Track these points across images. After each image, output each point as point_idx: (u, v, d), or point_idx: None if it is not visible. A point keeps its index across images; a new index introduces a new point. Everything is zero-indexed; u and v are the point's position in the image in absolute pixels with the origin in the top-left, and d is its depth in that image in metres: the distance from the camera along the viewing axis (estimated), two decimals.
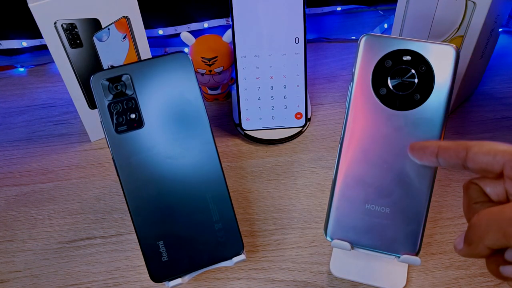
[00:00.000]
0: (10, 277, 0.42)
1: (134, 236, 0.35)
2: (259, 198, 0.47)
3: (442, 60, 0.33)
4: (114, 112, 0.34)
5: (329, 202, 0.36)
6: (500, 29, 0.57)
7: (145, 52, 0.50)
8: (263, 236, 0.44)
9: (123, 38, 0.47)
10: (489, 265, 0.28)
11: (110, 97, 0.34)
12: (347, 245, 0.35)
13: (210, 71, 0.53)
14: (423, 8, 0.48)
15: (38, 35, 0.62)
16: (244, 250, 0.36)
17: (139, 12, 0.47)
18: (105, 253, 0.43)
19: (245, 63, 0.50)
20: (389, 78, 0.34)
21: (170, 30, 0.65)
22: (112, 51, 0.48)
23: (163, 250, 0.35)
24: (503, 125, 0.53)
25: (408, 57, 0.34)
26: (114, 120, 0.34)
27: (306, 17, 0.49)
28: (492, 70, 0.60)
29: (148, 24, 0.64)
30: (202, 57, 0.52)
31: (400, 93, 0.34)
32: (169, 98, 0.35)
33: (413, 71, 0.34)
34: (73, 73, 0.47)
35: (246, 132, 0.52)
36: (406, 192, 0.34)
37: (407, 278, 0.40)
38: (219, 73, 0.53)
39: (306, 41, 0.49)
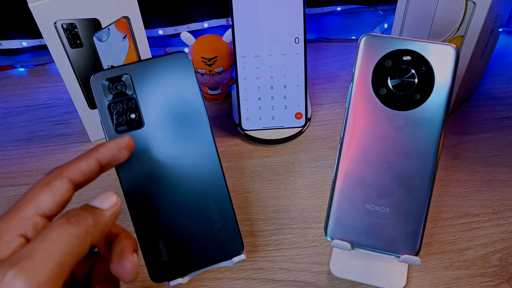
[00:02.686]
0: None
1: (134, 236, 0.35)
2: (259, 198, 0.47)
3: (442, 60, 0.33)
4: (114, 112, 0.34)
5: (329, 202, 0.36)
6: (500, 29, 0.57)
7: (145, 52, 0.50)
8: (263, 236, 0.44)
9: (123, 38, 0.47)
10: None
11: (110, 97, 0.34)
12: (347, 245, 0.35)
13: (210, 71, 0.53)
14: (423, 8, 0.48)
15: (38, 35, 0.62)
16: (244, 250, 0.36)
17: (139, 12, 0.47)
18: None
19: (245, 63, 0.50)
20: (389, 78, 0.34)
21: (170, 30, 0.65)
22: (112, 51, 0.48)
23: (163, 250, 0.35)
24: (503, 125, 0.53)
25: (408, 57, 0.34)
26: (114, 120, 0.34)
27: (306, 17, 0.49)
28: (492, 70, 0.60)
29: (148, 24, 0.64)
30: (202, 57, 0.52)
31: (400, 93, 0.34)
32: (169, 98, 0.35)
33: (413, 71, 0.34)
34: (73, 73, 0.47)
35: (246, 132, 0.52)
36: (406, 192, 0.34)
37: (407, 278, 0.40)
38: (219, 73, 0.53)
39: (306, 41, 0.49)
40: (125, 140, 0.30)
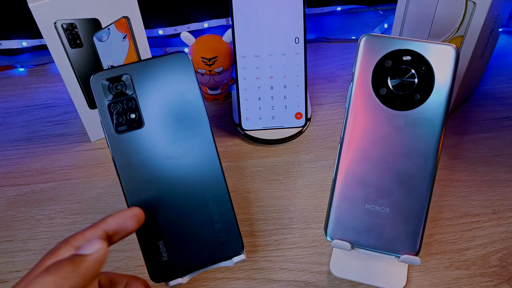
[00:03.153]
0: (10, 277, 0.42)
1: (134, 236, 0.35)
2: (259, 198, 0.47)
3: (442, 60, 0.33)
4: (114, 112, 0.34)
5: (329, 202, 0.36)
6: (500, 29, 0.57)
7: (145, 52, 0.50)
8: (263, 236, 0.44)
9: (123, 38, 0.48)
10: None
11: (110, 97, 0.34)
12: (347, 245, 0.35)
13: (210, 71, 0.53)
14: (423, 8, 0.48)
15: (38, 35, 0.62)
16: (244, 250, 0.36)
17: (139, 12, 0.47)
18: None
19: (245, 63, 0.50)
20: (389, 78, 0.34)
21: (170, 30, 0.65)
22: (112, 51, 0.48)
23: (163, 250, 0.35)
24: (503, 125, 0.53)
25: (408, 57, 0.34)
26: (114, 120, 0.34)
27: (306, 17, 0.49)
28: (492, 70, 0.60)
29: (148, 24, 0.64)
30: (202, 57, 0.52)
31: (400, 93, 0.34)
32: (169, 98, 0.35)
33: (413, 71, 0.34)
34: (73, 73, 0.47)
35: (246, 132, 0.52)
36: (406, 192, 0.34)
37: (407, 278, 0.40)
38: (219, 73, 0.53)
39: (306, 41, 0.49)
40: (132, 211, 0.31)
